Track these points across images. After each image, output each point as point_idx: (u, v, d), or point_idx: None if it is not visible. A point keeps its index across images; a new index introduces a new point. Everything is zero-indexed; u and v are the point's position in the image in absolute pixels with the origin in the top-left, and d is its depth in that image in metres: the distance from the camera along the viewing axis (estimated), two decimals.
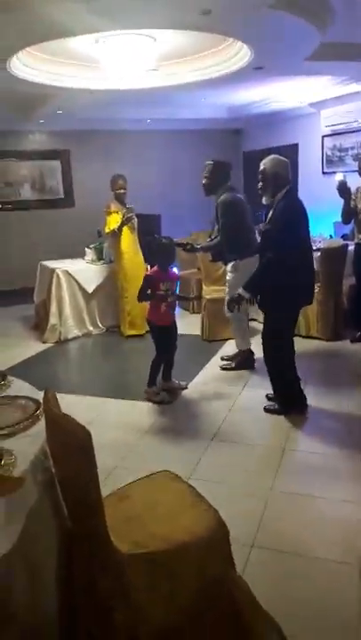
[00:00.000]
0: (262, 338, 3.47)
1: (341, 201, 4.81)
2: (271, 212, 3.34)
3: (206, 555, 1.58)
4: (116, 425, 3.50)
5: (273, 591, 1.96)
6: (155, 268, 3.77)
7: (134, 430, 3.40)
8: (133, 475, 2.11)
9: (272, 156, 3.40)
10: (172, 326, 3.87)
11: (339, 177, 4.78)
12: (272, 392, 3.60)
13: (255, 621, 0.68)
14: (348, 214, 4.83)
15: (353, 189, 4.76)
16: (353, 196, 4.76)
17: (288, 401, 3.51)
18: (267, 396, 3.67)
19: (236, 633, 0.82)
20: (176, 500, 1.79)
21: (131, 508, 1.78)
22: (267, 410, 3.55)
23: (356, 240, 4.90)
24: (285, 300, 3.29)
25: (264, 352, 3.48)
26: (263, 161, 3.38)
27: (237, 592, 0.66)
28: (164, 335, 3.82)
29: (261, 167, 3.37)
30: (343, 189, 4.69)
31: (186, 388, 4.01)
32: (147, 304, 3.84)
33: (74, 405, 3.80)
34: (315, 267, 5.09)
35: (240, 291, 3.41)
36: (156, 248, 3.75)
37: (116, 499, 1.84)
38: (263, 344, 3.46)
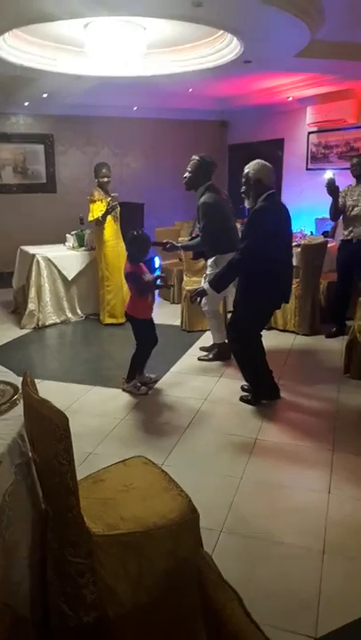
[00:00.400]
0: (227, 329, 3.55)
1: (326, 197, 4.88)
2: (249, 215, 3.38)
3: (176, 537, 1.64)
4: (93, 411, 3.54)
5: (239, 574, 2.04)
6: (129, 263, 3.68)
7: (111, 417, 3.44)
8: (109, 460, 2.16)
9: (256, 161, 3.39)
10: (152, 318, 3.89)
11: (328, 175, 4.83)
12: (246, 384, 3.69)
13: (216, 591, 0.73)
14: (337, 212, 4.91)
15: (341, 187, 4.83)
16: (342, 194, 4.84)
17: (260, 392, 3.61)
18: (242, 387, 3.76)
19: (195, 604, 0.87)
20: (149, 484, 1.85)
21: (105, 491, 1.83)
22: (242, 399, 3.64)
23: (342, 237, 4.99)
24: (256, 305, 3.39)
25: (230, 343, 3.57)
26: (248, 165, 3.39)
27: (201, 565, 0.70)
28: (150, 328, 3.83)
29: (245, 171, 3.38)
30: (332, 188, 4.76)
31: (157, 380, 4.03)
32: (127, 297, 3.85)
33: (51, 391, 3.83)
34: (295, 263, 5.22)
35: (205, 285, 3.50)
36: (132, 241, 3.70)
37: (90, 482, 1.88)
38: (228, 335, 3.55)
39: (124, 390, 3.84)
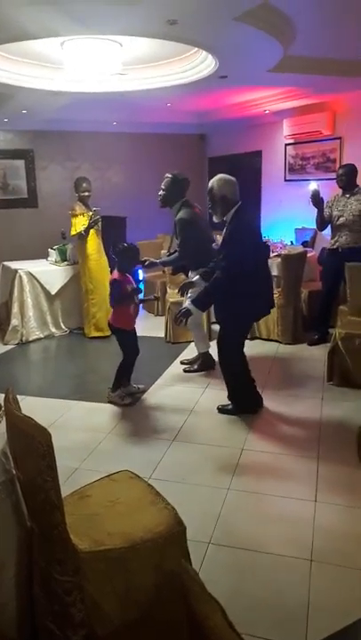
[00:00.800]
0: (217, 344, 3.61)
1: (305, 208, 4.96)
2: (223, 233, 3.41)
3: (163, 551, 1.64)
4: (78, 427, 3.52)
5: (228, 586, 2.05)
6: (117, 272, 3.76)
7: (96, 432, 3.43)
8: (95, 475, 2.16)
9: (219, 176, 3.43)
10: (135, 329, 3.92)
11: (313, 186, 4.91)
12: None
13: (199, 603, 0.73)
14: (323, 222, 4.99)
15: (325, 198, 4.92)
16: (328, 204, 4.93)
17: (242, 402, 3.63)
18: (218, 407, 3.77)
19: (181, 618, 0.87)
20: (135, 498, 1.85)
21: (91, 506, 1.82)
22: (220, 410, 3.66)
23: (328, 245, 5.06)
24: (236, 319, 3.44)
25: (219, 357, 3.62)
26: (211, 180, 3.45)
27: (184, 577, 0.71)
28: (134, 339, 3.87)
29: (209, 186, 3.43)
30: (317, 199, 4.84)
31: (144, 391, 4.05)
32: (111, 309, 3.89)
33: (36, 407, 3.81)
34: (275, 272, 5.28)
35: (188, 305, 3.50)
36: (124, 252, 3.78)
37: (76, 498, 1.88)
38: (218, 350, 3.61)
39: (109, 401, 3.84)
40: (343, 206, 4.80)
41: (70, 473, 2.87)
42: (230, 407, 3.65)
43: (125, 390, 3.88)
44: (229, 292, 3.31)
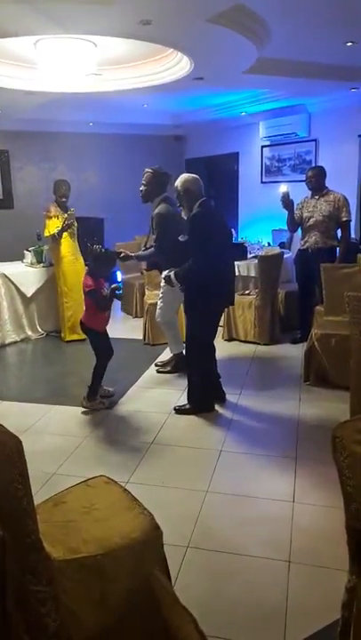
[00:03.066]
0: (185, 342, 3.69)
1: (282, 209, 4.99)
2: (186, 224, 3.53)
3: (139, 556, 1.61)
4: (55, 431, 3.47)
5: (206, 589, 2.04)
6: (91, 278, 3.66)
7: (74, 436, 3.38)
8: (72, 480, 2.12)
9: (182, 175, 3.62)
10: (106, 331, 3.87)
11: (283, 188, 4.95)
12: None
13: (172, 614, 0.72)
14: (294, 224, 5.04)
15: (295, 200, 4.96)
16: (299, 206, 4.97)
17: (200, 401, 3.66)
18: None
19: (155, 626, 0.86)
20: (111, 504, 1.82)
21: (66, 513, 1.79)
22: (177, 410, 3.67)
23: (299, 246, 5.11)
24: (199, 305, 3.49)
25: (186, 353, 3.69)
26: (176, 181, 3.60)
27: (157, 587, 0.69)
28: (107, 340, 3.82)
29: (174, 185, 3.59)
30: (287, 201, 4.89)
31: (113, 394, 3.98)
32: (83, 310, 3.83)
33: (12, 412, 3.75)
34: (253, 273, 5.31)
35: (171, 274, 3.57)
36: (100, 257, 3.72)
37: (51, 504, 1.84)
38: (185, 347, 3.68)
39: (83, 406, 3.78)
40: (313, 207, 4.86)
41: (47, 478, 2.82)
42: (188, 407, 3.67)
43: (100, 392, 3.85)
44: (195, 286, 3.41)
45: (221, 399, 3.80)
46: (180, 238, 3.54)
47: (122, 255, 4.32)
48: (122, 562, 1.58)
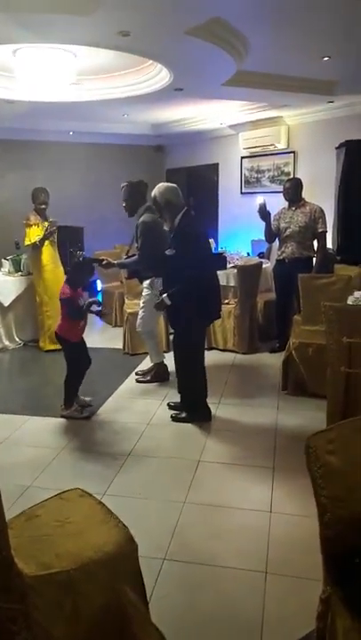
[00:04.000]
0: (173, 350, 3.68)
1: (261, 220, 5.05)
2: (173, 236, 3.50)
3: (113, 570, 1.59)
4: (31, 443, 3.41)
5: (182, 601, 2.01)
6: (68, 287, 3.62)
7: (50, 448, 3.33)
8: (48, 493, 2.08)
9: (160, 184, 3.58)
10: (83, 340, 3.84)
11: (260, 200, 5.02)
12: (178, 400, 3.78)
13: (142, 633, 0.71)
14: (271, 235, 5.11)
15: (272, 212, 5.02)
16: (276, 217, 5.03)
17: (197, 410, 3.66)
18: (169, 404, 3.83)
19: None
20: (85, 517, 1.79)
21: (40, 527, 1.75)
22: (174, 418, 3.66)
23: (276, 257, 5.17)
24: (187, 318, 3.48)
25: (176, 364, 3.66)
26: (153, 190, 3.56)
27: (128, 604, 0.68)
28: (82, 350, 3.78)
29: (152, 195, 3.54)
30: (264, 212, 4.95)
31: (91, 404, 3.93)
32: (59, 321, 3.78)
33: None
34: (232, 283, 5.33)
35: (164, 297, 3.52)
36: (80, 266, 3.71)
37: (24, 519, 1.80)
38: (174, 356, 3.66)
39: (63, 417, 3.74)
40: (290, 219, 4.94)
41: (22, 491, 2.77)
42: (184, 415, 3.65)
43: (77, 401, 3.81)
44: (183, 296, 3.39)
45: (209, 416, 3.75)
46: (168, 252, 3.52)
47: (104, 262, 4.30)
48: (96, 576, 1.55)
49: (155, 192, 3.52)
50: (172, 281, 3.47)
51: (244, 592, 2.07)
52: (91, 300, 3.75)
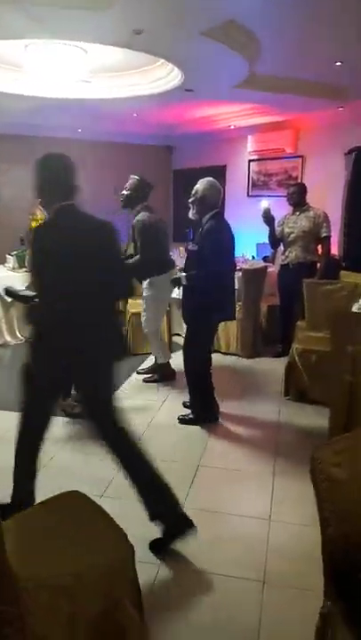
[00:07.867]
0: (183, 349, 3.66)
1: (264, 225, 5.03)
2: (199, 233, 3.49)
3: (110, 576, 1.56)
4: None
5: (178, 609, 1.98)
6: None
7: (48, 446, 3.28)
8: (43, 494, 2.06)
9: (208, 179, 3.59)
10: None
11: (264, 204, 4.99)
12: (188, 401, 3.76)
13: None
14: (275, 240, 5.08)
15: (278, 215, 4.99)
16: (280, 222, 5.01)
17: (204, 411, 3.64)
18: (184, 403, 3.82)
19: None
20: (83, 521, 1.76)
21: (35, 531, 1.73)
22: (181, 420, 3.65)
23: (280, 261, 5.14)
24: (201, 316, 3.48)
25: (184, 362, 3.63)
26: (200, 180, 3.59)
27: (123, 619, 0.65)
28: None
29: (196, 186, 3.58)
30: (268, 217, 4.93)
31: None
32: None
33: None
34: (236, 286, 5.30)
35: (182, 276, 3.54)
36: None
37: (19, 522, 1.77)
38: (183, 355, 3.63)
39: (61, 407, 3.71)
40: (293, 223, 4.93)
41: None
42: (191, 416, 3.64)
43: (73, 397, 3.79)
44: (200, 296, 3.40)
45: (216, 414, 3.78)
46: (190, 247, 3.53)
47: None
48: (92, 582, 1.52)
49: (199, 184, 3.54)
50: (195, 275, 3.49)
51: (241, 601, 2.04)
52: None
